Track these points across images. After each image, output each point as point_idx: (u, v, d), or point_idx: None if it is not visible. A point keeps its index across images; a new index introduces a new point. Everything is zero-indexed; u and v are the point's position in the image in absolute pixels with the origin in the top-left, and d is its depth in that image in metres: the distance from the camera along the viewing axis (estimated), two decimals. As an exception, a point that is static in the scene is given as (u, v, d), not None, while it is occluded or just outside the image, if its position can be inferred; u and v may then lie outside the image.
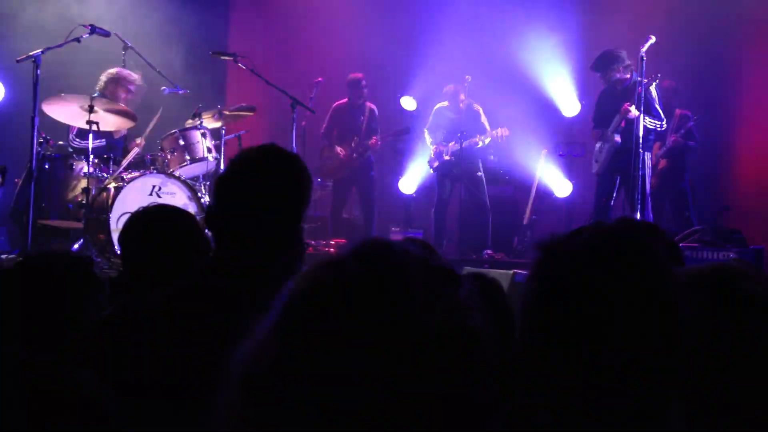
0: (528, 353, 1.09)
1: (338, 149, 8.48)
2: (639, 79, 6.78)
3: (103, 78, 6.90)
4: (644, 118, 6.69)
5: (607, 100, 7.21)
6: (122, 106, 6.57)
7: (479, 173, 8.31)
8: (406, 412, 0.75)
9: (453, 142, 8.16)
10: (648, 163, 6.94)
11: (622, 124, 6.94)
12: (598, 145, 7.24)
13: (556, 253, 1.09)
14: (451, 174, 8.29)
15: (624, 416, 1.06)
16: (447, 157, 8.23)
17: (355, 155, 8.44)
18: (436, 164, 8.34)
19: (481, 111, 8.31)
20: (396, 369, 0.75)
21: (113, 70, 6.95)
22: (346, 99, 8.58)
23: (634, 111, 6.71)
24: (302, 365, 0.76)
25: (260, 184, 1.90)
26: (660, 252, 1.09)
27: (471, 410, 0.79)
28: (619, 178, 7.08)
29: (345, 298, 0.78)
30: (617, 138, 6.99)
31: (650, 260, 1.08)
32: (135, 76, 7.01)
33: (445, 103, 8.44)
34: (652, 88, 6.88)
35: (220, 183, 1.96)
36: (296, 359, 0.76)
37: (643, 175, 6.77)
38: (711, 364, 1.29)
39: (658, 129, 6.97)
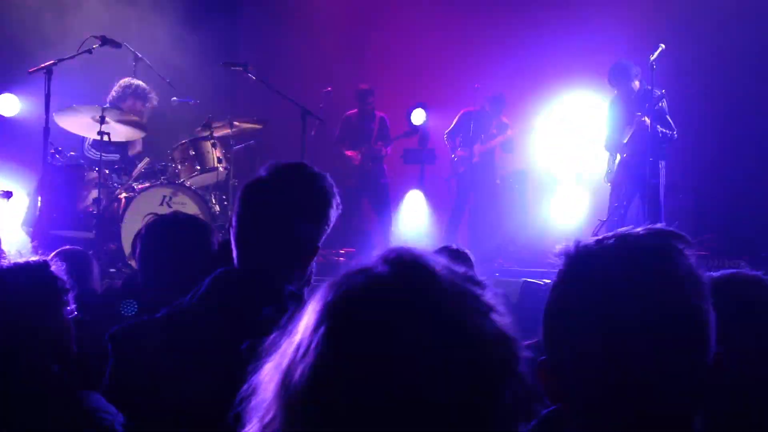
0: (553, 360, 1.08)
1: (349, 153, 8.51)
2: (649, 87, 6.79)
3: (121, 89, 6.90)
4: (657, 127, 6.69)
5: (618, 109, 7.19)
6: (133, 116, 6.60)
7: (498, 181, 8.41)
8: (443, 413, 0.75)
9: (478, 144, 8.25)
10: (663, 171, 6.91)
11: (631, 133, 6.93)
12: (609, 155, 7.22)
13: (585, 262, 1.08)
14: (471, 181, 8.33)
15: (652, 422, 1.05)
16: (476, 159, 8.29)
17: (364, 160, 8.44)
18: (462, 169, 8.38)
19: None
20: (433, 370, 0.75)
21: (134, 82, 6.95)
22: (357, 109, 8.62)
23: (647, 120, 6.70)
24: (340, 371, 0.76)
25: (287, 199, 1.90)
26: (691, 260, 1.08)
27: (504, 411, 0.79)
28: (632, 186, 7.04)
29: (378, 303, 0.79)
30: (626, 150, 6.96)
31: (681, 268, 1.07)
32: (152, 92, 7.05)
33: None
34: (663, 100, 6.88)
35: (246, 192, 1.96)
36: (334, 366, 0.77)
37: (657, 184, 6.75)
38: (731, 370, 1.29)
39: (670, 137, 6.90)
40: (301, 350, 0.79)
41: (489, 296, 0.86)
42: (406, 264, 0.82)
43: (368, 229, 9.05)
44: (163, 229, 2.54)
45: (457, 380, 0.76)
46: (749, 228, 7.99)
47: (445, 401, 0.75)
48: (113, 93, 6.90)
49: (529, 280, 5.65)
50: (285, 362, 0.80)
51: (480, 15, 9.94)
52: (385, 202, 8.58)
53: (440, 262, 0.85)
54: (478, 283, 0.87)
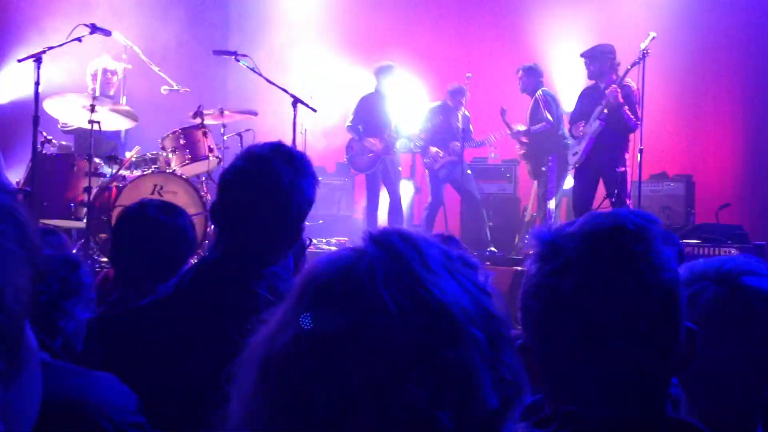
0: (530, 342, 1.09)
1: (372, 140, 8.11)
2: (619, 76, 6.78)
3: (90, 77, 6.97)
4: (625, 108, 6.64)
5: (588, 98, 7.08)
6: (124, 105, 6.59)
7: (468, 171, 8.43)
8: (422, 390, 0.74)
9: (456, 143, 8.21)
10: (627, 161, 6.84)
11: (605, 110, 6.77)
12: (576, 139, 7.08)
13: (556, 245, 1.10)
14: (446, 176, 8.32)
15: (627, 406, 1.06)
16: (450, 158, 8.25)
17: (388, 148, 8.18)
18: (437, 166, 8.34)
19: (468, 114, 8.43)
20: (420, 349, 0.74)
21: (93, 65, 7.01)
22: (374, 90, 8.28)
23: (620, 97, 6.63)
24: (325, 347, 0.75)
25: (266, 180, 1.90)
26: (659, 237, 1.10)
27: (485, 391, 0.78)
28: (597, 173, 6.95)
29: (367, 281, 0.77)
30: (599, 122, 6.78)
31: (651, 245, 1.08)
32: (111, 63, 7.06)
33: (439, 103, 8.44)
34: (633, 84, 6.79)
35: (225, 178, 1.96)
36: (319, 342, 0.75)
37: (624, 173, 6.72)
38: (719, 358, 1.30)
39: (633, 126, 6.73)
40: (285, 322, 0.78)
41: (480, 278, 0.85)
42: (398, 244, 0.81)
43: (361, 218, 9.05)
44: (131, 222, 2.51)
45: (438, 361, 0.75)
46: (740, 216, 8.03)
47: (426, 381, 0.74)
48: (89, 85, 6.95)
49: (520, 268, 5.67)
50: (268, 338, 0.80)
51: (469, 5, 9.93)
52: (398, 191, 8.44)
53: (432, 242, 0.84)
54: (470, 264, 0.86)
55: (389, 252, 0.79)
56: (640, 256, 1.07)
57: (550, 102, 8.00)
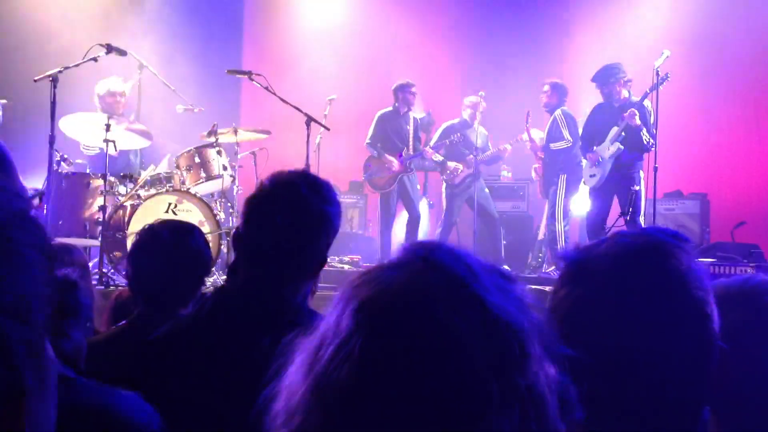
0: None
1: (390, 159, 8.16)
2: (636, 98, 6.77)
3: (97, 97, 7.00)
4: (643, 130, 6.63)
5: (601, 115, 7.07)
6: (140, 125, 6.63)
7: (486, 189, 8.44)
8: (511, 419, 0.72)
9: (470, 157, 8.22)
10: (642, 181, 6.85)
11: (623, 133, 6.80)
12: (593, 160, 7.05)
13: (583, 265, 1.09)
14: (462, 194, 8.32)
15: (660, 427, 1.05)
16: (469, 170, 8.25)
17: (407, 165, 8.20)
18: (457, 180, 8.36)
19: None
20: (497, 376, 0.72)
21: (99, 88, 7.03)
22: (391, 107, 8.31)
23: (637, 120, 6.63)
24: (386, 367, 0.72)
25: (294, 208, 1.89)
26: (687, 254, 1.08)
27: (533, 396, 0.75)
28: (613, 192, 6.94)
29: (423, 301, 0.75)
30: (620, 146, 6.80)
31: (680, 263, 1.07)
32: (119, 84, 7.08)
33: (456, 120, 8.48)
34: (649, 105, 6.78)
35: (250, 205, 1.94)
36: (381, 362, 0.72)
37: (639, 190, 6.72)
38: (746, 380, 1.28)
39: (649, 147, 6.73)
40: (342, 349, 0.74)
41: (519, 290, 0.83)
42: (441, 258, 0.79)
43: (371, 236, 9.04)
44: (147, 245, 2.53)
45: (514, 388, 0.73)
46: (755, 235, 7.96)
47: (506, 409, 0.72)
48: (96, 105, 6.97)
49: (533, 286, 5.64)
50: (318, 364, 0.76)
51: (482, 24, 9.95)
52: (417, 208, 8.40)
53: (475, 258, 0.82)
54: (509, 278, 0.84)
55: (444, 272, 0.77)
56: (673, 275, 1.06)
57: (570, 122, 7.98)
